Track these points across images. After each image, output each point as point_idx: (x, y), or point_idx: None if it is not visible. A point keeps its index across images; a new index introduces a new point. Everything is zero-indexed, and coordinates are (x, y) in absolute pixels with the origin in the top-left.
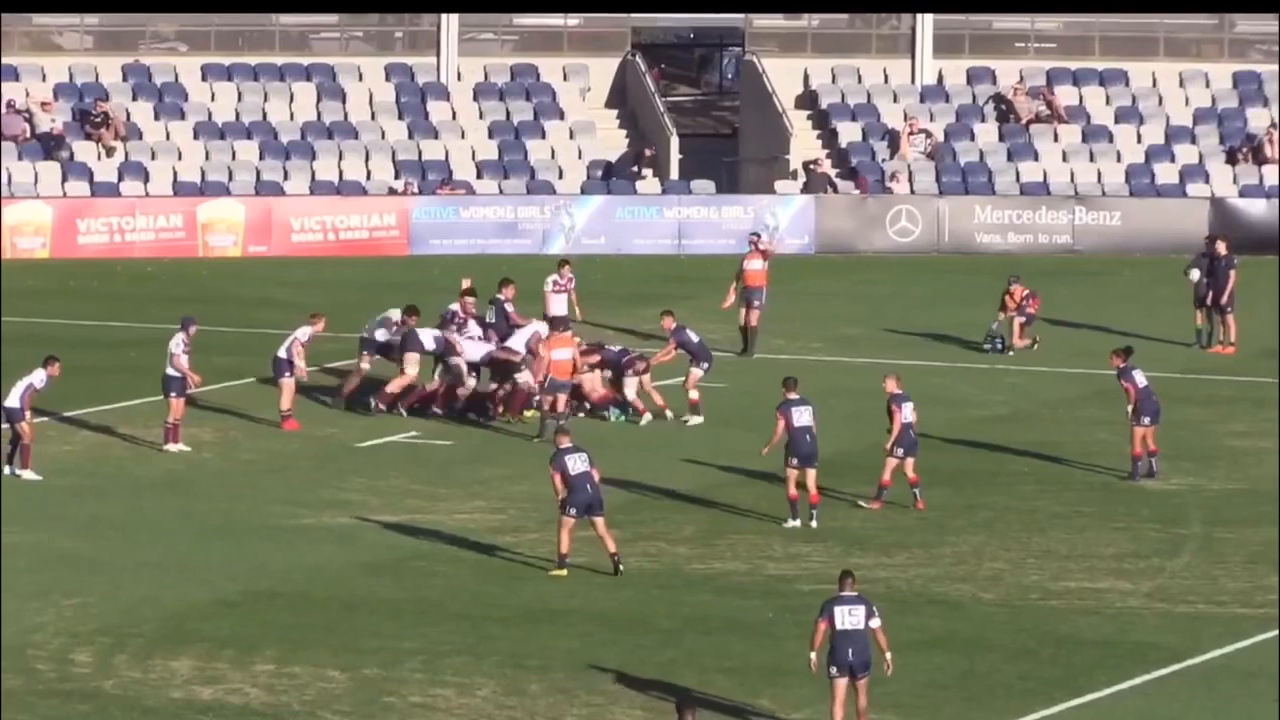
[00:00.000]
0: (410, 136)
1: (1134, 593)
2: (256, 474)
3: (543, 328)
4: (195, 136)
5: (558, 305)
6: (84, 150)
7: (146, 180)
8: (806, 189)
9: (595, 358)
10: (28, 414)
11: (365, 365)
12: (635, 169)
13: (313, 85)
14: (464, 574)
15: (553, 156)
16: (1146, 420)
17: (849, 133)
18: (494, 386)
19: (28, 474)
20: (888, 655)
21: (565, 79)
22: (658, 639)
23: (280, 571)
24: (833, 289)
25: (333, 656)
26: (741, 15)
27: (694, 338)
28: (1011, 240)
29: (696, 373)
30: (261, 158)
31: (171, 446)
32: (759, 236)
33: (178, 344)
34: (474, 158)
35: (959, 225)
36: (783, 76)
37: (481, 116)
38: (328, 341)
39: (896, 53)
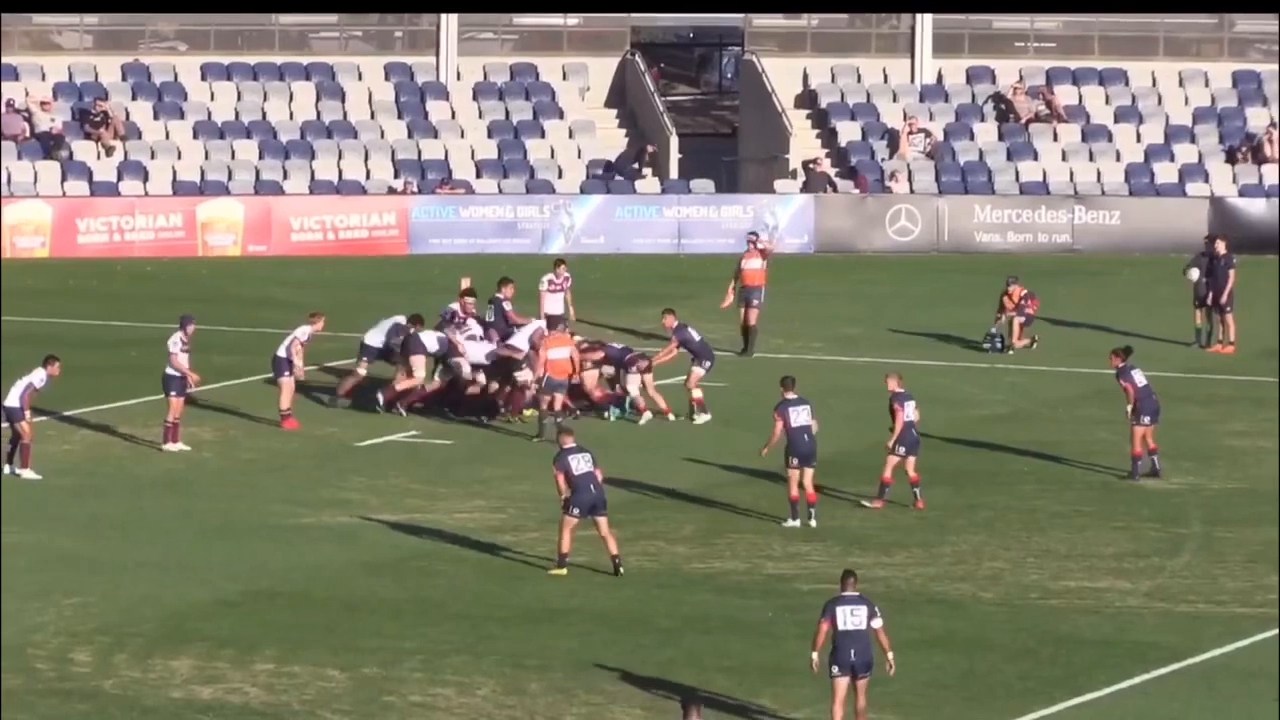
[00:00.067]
0: (410, 136)
1: (1134, 592)
2: (256, 473)
3: (545, 325)
4: (195, 136)
5: (553, 304)
6: (83, 150)
7: (146, 180)
8: (806, 188)
9: (598, 354)
10: (28, 413)
11: (362, 370)
12: (636, 166)
13: (312, 85)
14: (464, 574)
15: (552, 156)
16: (1146, 420)
17: (848, 132)
18: (495, 385)
19: (28, 473)
20: (889, 655)
21: (565, 78)
22: (657, 638)
23: (280, 571)
24: (832, 289)
25: (333, 656)
26: (741, 15)
27: (696, 336)
28: (1011, 240)
29: (699, 372)
30: (261, 157)
31: (171, 446)
32: (757, 236)
33: (175, 343)
34: (473, 157)
35: (958, 225)
36: (782, 76)
37: (481, 116)
38: (327, 341)
39: (896, 52)
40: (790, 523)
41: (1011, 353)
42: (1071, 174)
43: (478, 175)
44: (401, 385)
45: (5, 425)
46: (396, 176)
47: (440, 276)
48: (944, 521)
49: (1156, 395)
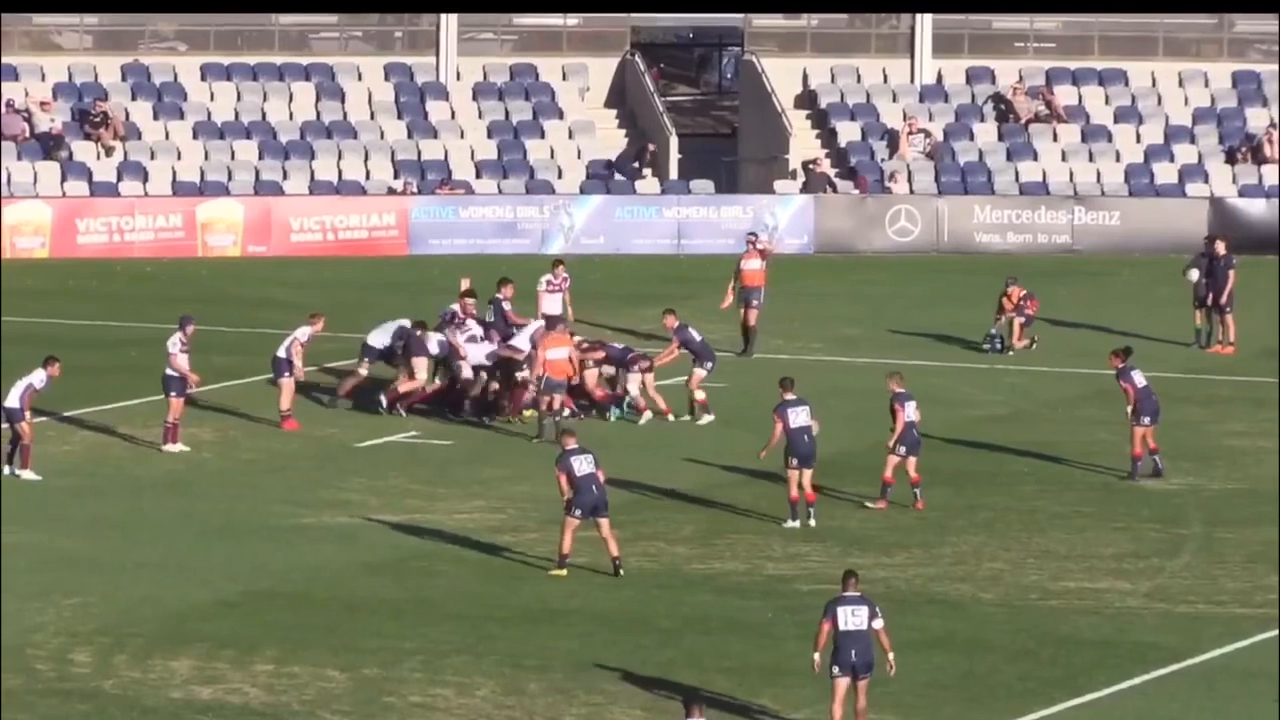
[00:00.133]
0: (409, 136)
1: (1133, 593)
2: (256, 474)
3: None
4: (194, 136)
5: (551, 305)
6: (83, 150)
7: (145, 180)
8: (806, 189)
9: (599, 354)
10: (27, 414)
11: (363, 371)
12: (637, 165)
13: (312, 85)
14: (464, 574)
15: (552, 156)
16: (1146, 420)
17: (848, 132)
18: (495, 385)
19: (27, 474)
20: (890, 656)
21: (564, 79)
22: (657, 639)
23: (280, 571)
24: (832, 289)
25: (333, 656)
26: (741, 15)
27: (696, 337)
28: (1011, 240)
29: (700, 372)
30: (260, 157)
31: (170, 446)
32: (756, 236)
33: (175, 343)
34: (473, 157)
35: (958, 225)
36: (782, 76)
37: (480, 116)
38: (327, 341)
39: (896, 52)
40: (790, 523)
41: (1011, 353)
42: (1071, 174)
43: (477, 175)
44: (403, 387)
45: (5, 426)
46: (396, 177)
47: (440, 277)
48: (944, 522)
49: (1156, 396)
